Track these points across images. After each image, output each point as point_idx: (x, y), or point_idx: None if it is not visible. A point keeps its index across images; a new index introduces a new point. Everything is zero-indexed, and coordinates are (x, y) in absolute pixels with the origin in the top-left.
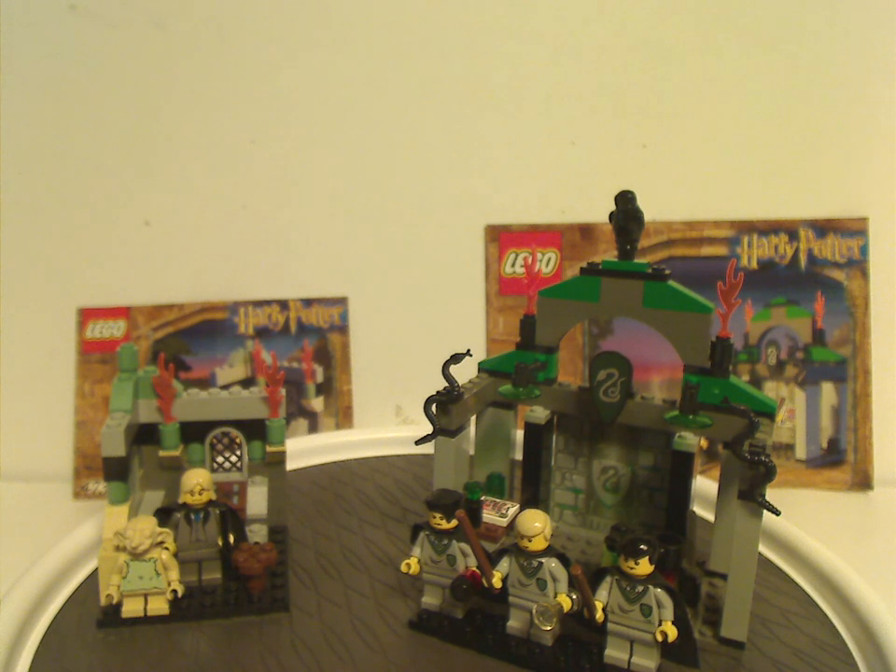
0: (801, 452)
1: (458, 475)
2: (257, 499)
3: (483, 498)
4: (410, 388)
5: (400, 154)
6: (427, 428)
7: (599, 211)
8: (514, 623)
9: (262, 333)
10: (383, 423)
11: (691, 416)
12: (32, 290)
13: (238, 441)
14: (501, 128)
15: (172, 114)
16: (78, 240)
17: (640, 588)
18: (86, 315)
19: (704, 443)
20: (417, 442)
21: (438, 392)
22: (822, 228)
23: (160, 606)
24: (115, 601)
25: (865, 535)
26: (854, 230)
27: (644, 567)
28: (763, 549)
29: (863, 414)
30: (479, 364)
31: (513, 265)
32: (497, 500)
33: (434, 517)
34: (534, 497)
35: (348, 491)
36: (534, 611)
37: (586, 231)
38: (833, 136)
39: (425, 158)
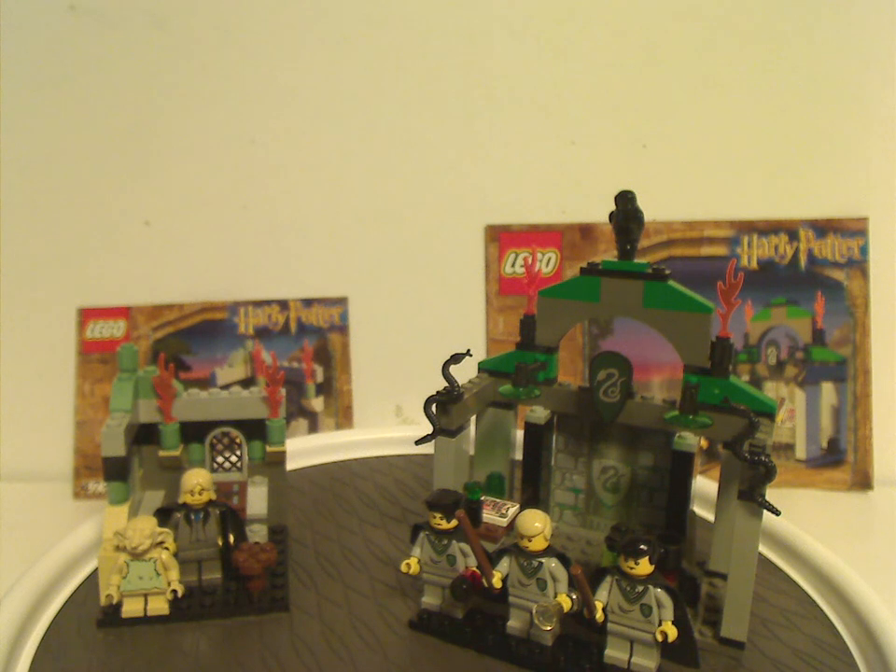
0: (801, 452)
1: (458, 475)
2: (257, 499)
3: (482, 498)
4: (410, 388)
5: (401, 154)
6: (427, 428)
7: (599, 211)
8: (514, 623)
9: (262, 333)
10: (383, 423)
11: (691, 416)
12: (32, 290)
13: (238, 440)
14: (501, 128)
15: (172, 114)
16: (78, 240)
17: (640, 588)
18: (86, 315)
19: (704, 443)
20: (417, 442)
21: (438, 392)
22: (822, 228)
23: (160, 606)
24: (115, 601)
25: (865, 535)
26: (854, 230)
27: (644, 566)
28: (763, 549)
29: (863, 414)
30: (479, 364)
31: (513, 265)
32: (497, 500)
33: (434, 517)
34: (534, 496)
35: (348, 491)
36: (534, 611)
37: (586, 231)
38: (833, 136)
39: (425, 158)
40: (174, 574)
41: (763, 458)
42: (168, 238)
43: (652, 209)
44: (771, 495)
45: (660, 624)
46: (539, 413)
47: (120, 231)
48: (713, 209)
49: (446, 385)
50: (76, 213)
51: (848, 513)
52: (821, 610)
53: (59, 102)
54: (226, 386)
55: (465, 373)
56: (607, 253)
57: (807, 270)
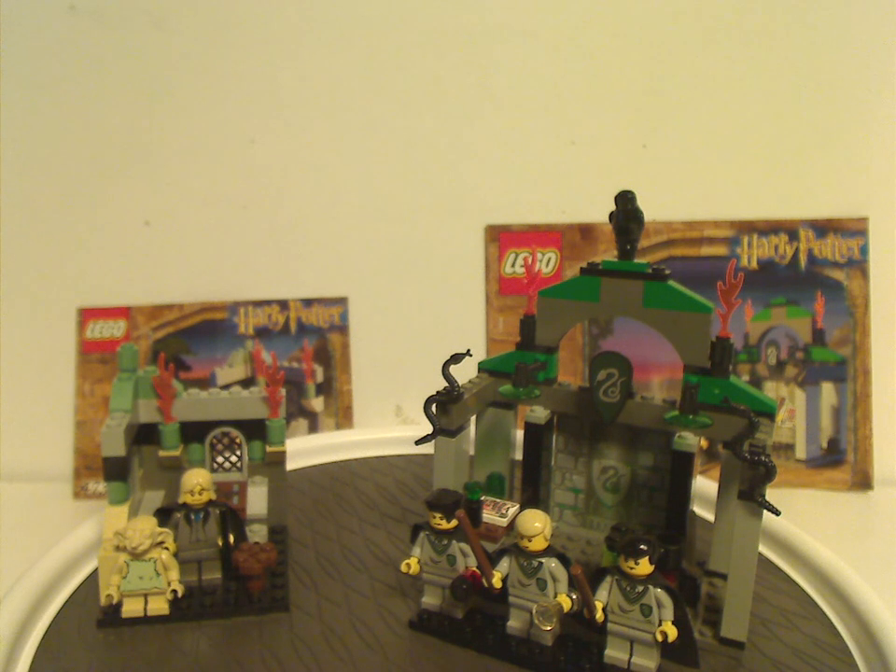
0: (801, 452)
1: (458, 475)
2: (257, 499)
3: (482, 498)
4: (410, 388)
5: (400, 154)
6: (427, 428)
7: (599, 211)
8: (514, 623)
9: (262, 333)
10: (383, 423)
11: (691, 416)
12: (32, 290)
13: (238, 441)
14: (501, 128)
15: (172, 114)
16: (78, 240)
17: (640, 588)
18: (86, 315)
19: (704, 443)
20: (417, 442)
21: (438, 392)
22: (822, 228)
23: (160, 606)
24: (115, 601)
25: (865, 535)
26: (854, 230)
27: (644, 567)
28: (763, 549)
29: (863, 414)
30: (479, 364)
31: (513, 265)
32: (497, 500)
33: (434, 517)
34: (534, 496)
35: (348, 491)
36: (534, 611)
37: (586, 231)
38: (833, 136)
39: (425, 158)
40: (174, 574)
41: (763, 458)
42: (168, 238)
43: (652, 209)
44: (771, 495)
45: (660, 624)
46: (539, 413)
47: (120, 230)
48: (713, 209)
49: (446, 384)
50: (76, 213)
51: (848, 513)
52: (821, 610)
53: (59, 102)
54: (226, 386)
55: (465, 373)
56: (607, 253)
57: (807, 270)
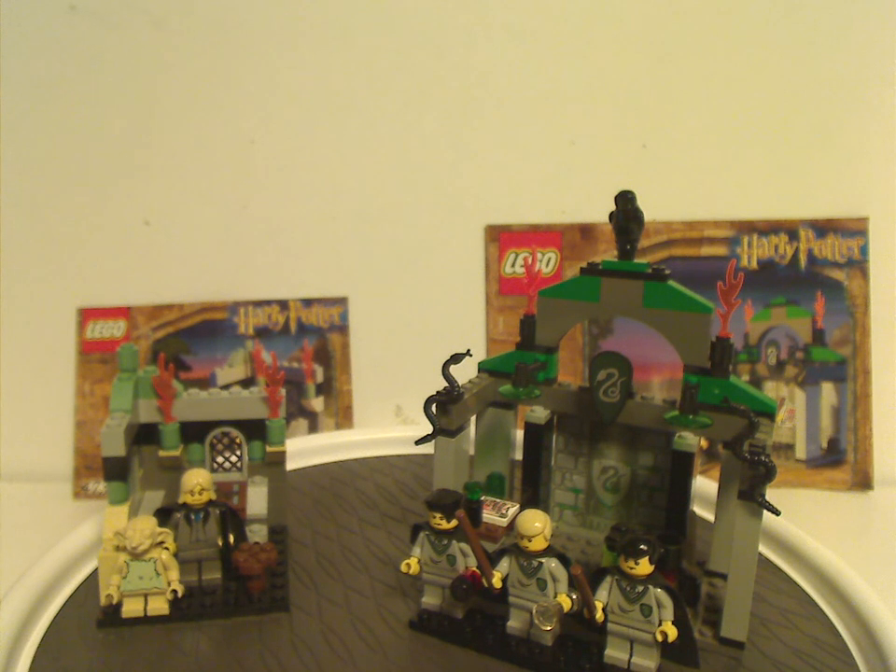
0: (801, 452)
1: (458, 475)
2: (257, 499)
3: (482, 498)
4: (410, 388)
5: (400, 154)
6: (427, 428)
7: (599, 211)
8: (514, 623)
9: (262, 333)
10: (383, 423)
11: (691, 416)
12: (32, 290)
13: (238, 441)
14: (501, 128)
15: (172, 114)
16: (78, 240)
17: (640, 588)
18: (86, 315)
19: (704, 443)
20: (417, 442)
21: (438, 392)
22: (822, 228)
23: (160, 606)
24: (115, 601)
25: (865, 535)
26: (854, 230)
27: (644, 567)
28: (763, 549)
29: (863, 414)
30: (479, 364)
31: (513, 265)
32: (497, 500)
33: (434, 517)
34: (534, 496)
35: (348, 491)
36: (534, 611)
37: (586, 231)
38: (833, 136)
39: (425, 158)
40: (174, 574)
41: (763, 458)
42: (168, 238)
43: (652, 209)
44: (771, 495)
45: (660, 624)
46: (539, 413)
47: (120, 230)
48: (713, 209)
49: (446, 384)
50: (76, 213)
51: (848, 513)
52: (821, 610)
53: (59, 102)
54: (226, 386)
55: (465, 373)
56: (607, 253)
57: (807, 270)
